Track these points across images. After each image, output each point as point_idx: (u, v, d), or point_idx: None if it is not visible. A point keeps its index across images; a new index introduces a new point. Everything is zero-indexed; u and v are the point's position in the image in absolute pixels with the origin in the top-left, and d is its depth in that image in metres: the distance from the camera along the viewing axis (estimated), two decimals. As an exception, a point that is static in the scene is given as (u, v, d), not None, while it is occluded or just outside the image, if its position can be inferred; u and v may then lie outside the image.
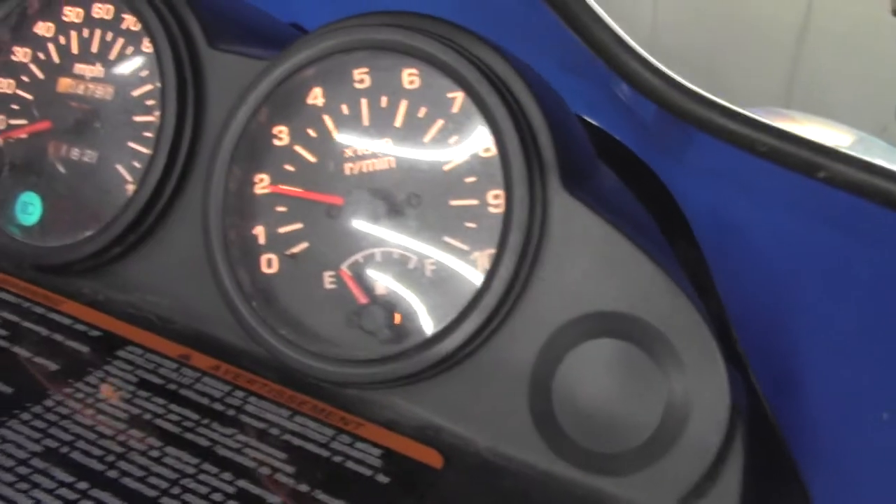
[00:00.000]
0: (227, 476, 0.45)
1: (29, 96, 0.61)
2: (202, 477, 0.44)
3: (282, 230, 0.54)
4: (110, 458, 0.45)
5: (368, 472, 0.46)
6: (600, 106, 0.70)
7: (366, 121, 0.54)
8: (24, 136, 0.61)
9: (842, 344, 0.55)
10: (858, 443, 0.53)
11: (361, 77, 0.54)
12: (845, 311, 0.54)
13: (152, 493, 0.43)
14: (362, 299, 0.52)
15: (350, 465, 0.47)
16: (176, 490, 0.43)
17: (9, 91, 0.62)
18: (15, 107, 0.62)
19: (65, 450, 0.45)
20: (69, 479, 0.43)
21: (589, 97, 0.67)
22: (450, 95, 0.52)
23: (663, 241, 0.62)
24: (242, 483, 0.44)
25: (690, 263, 0.68)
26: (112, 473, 0.44)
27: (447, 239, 0.51)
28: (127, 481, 0.43)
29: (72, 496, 0.42)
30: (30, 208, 0.60)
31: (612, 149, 0.75)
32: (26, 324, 0.54)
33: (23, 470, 0.43)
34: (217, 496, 0.43)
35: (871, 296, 0.52)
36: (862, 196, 0.39)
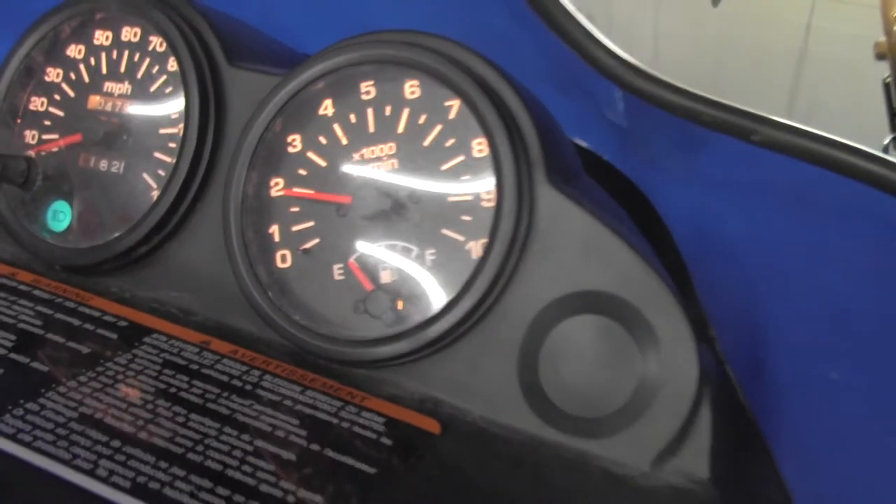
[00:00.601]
0: (245, 437, 0.49)
1: (60, 113, 0.67)
2: (224, 438, 0.49)
3: (295, 228, 0.60)
4: (140, 422, 0.49)
5: (373, 436, 0.51)
6: (584, 125, 0.76)
7: (371, 128, 0.59)
8: (55, 149, 0.66)
9: (806, 335, 0.60)
10: (817, 416, 0.58)
11: (368, 89, 0.60)
12: (809, 303, 0.60)
13: (179, 450, 0.47)
14: (368, 287, 0.57)
15: (356, 429, 0.51)
16: (200, 448, 0.48)
17: (41, 108, 0.68)
18: (47, 122, 0.67)
19: (99, 415, 0.49)
20: (104, 438, 0.48)
21: (573, 117, 0.73)
22: (447, 104, 0.57)
23: (642, 237, 0.68)
24: (260, 443, 0.49)
25: (672, 270, 0.73)
26: (142, 434, 0.48)
27: (445, 231, 0.57)
28: (156, 440, 0.48)
29: (106, 451, 0.46)
30: (60, 216, 0.65)
31: (595, 166, 0.81)
32: (59, 315, 0.59)
33: (61, 431, 0.48)
34: (237, 453, 0.48)
35: (832, 287, 0.57)
36: (792, 156, 0.44)
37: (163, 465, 0.46)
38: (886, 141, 2.05)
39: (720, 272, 0.70)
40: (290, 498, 0.45)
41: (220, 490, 0.45)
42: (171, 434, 0.49)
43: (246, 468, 0.47)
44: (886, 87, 1.88)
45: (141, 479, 0.45)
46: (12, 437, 0.47)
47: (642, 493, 0.51)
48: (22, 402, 0.50)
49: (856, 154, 0.43)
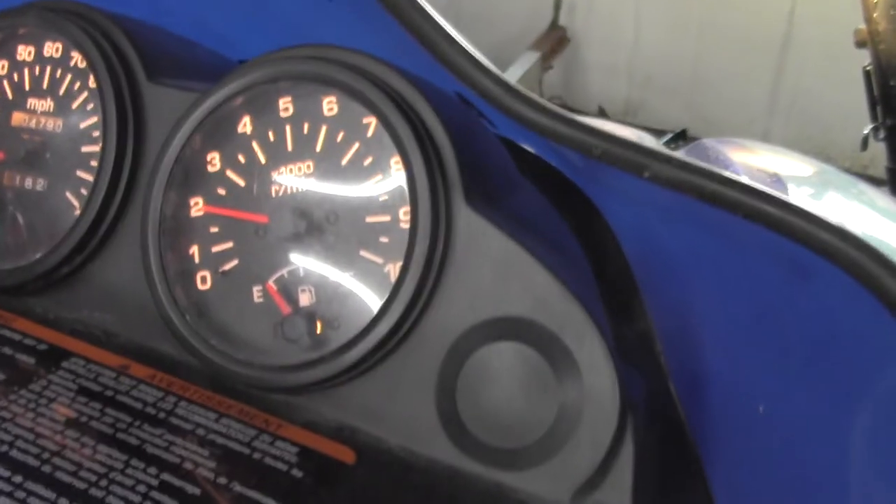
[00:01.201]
0: (152, 470, 0.48)
1: (-17, 130, 0.66)
2: (129, 471, 0.48)
3: (215, 249, 0.59)
4: (45, 455, 0.48)
5: (284, 468, 0.50)
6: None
7: (289, 146, 0.58)
8: (-22, 167, 0.65)
9: (733, 348, 0.59)
10: (746, 436, 0.57)
11: (286, 105, 0.58)
12: (734, 318, 0.58)
13: (82, 485, 0.47)
14: (286, 310, 0.56)
15: (268, 460, 0.50)
16: (104, 482, 0.47)
17: (-35, 125, 0.67)
18: (-29, 140, 0.66)
19: (4, 448, 0.49)
20: (6, 473, 0.47)
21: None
22: (364, 121, 0.56)
23: (580, 257, 0.66)
24: (166, 476, 0.48)
25: (623, 281, 0.72)
26: (46, 468, 0.48)
27: (363, 253, 0.55)
28: (60, 475, 0.47)
29: (7, 488, 0.46)
30: (-12, 232, 0.64)
31: (548, 173, 0.79)
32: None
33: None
34: (141, 488, 0.47)
35: (748, 301, 0.56)
36: (681, 191, 0.43)
37: (62, 502, 0.45)
38: (866, 131, 2.04)
39: (663, 286, 0.69)
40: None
41: None
42: (75, 468, 0.48)
43: (147, 504, 0.46)
44: (867, 74, 1.87)
45: None
46: None
47: None
48: None
49: (745, 192, 0.42)
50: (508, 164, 0.69)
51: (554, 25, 3.61)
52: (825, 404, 0.50)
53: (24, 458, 0.48)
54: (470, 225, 0.54)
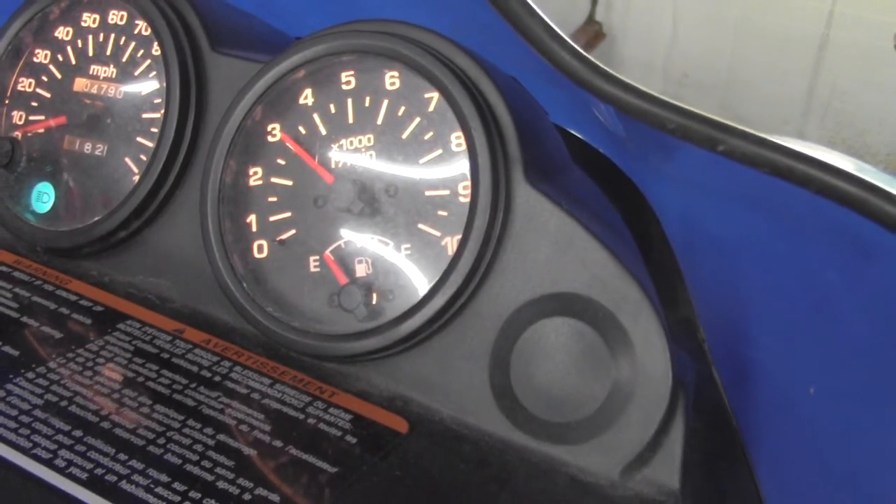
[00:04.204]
0: (208, 431, 0.49)
1: (47, 94, 0.67)
2: (186, 430, 0.49)
3: (272, 218, 0.59)
4: (104, 412, 0.49)
5: (338, 434, 0.51)
6: (577, 115, 0.75)
7: (350, 118, 0.58)
8: (41, 130, 0.66)
9: (784, 335, 0.59)
10: (793, 425, 0.57)
11: (348, 78, 0.59)
12: (786, 304, 0.58)
13: (140, 441, 0.47)
14: (343, 280, 0.56)
15: (322, 426, 0.51)
16: (161, 440, 0.48)
17: (28, 89, 0.67)
18: (34, 104, 0.67)
19: (63, 404, 0.49)
20: (66, 427, 0.48)
21: (566, 107, 0.72)
22: (426, 96, 0.57)
23: (630, 238, 0.67)
24: (222, 437, 0.49)
25: (667, 268, 0.72)
26: (105, 424, 0.48)
27: (421, 226, 0.56)
28: (118, 431, 0.48)
29: (67, 441, 0.46)
30: (44, 197, 0.65)
31: (595, 160, 0.80)
32: (36, 298, 0.59)
33: (24, 419, 0.48)
34: (198, 447, 0.48)
35: (801, 286, 0.56)
36: (755, 166, 0.43)
37: (122, 457, 0.46)
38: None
39: (709, 273, 0.69)
40: (247, 496, 0.44)
41: (177, 485, 0.45)
42: (134, 425, 0.49)
43: (205, 463, 0.46)
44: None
45: (98, 472, 0.45)
46: None
47: (610, 501, 0.50)
48: None
49: (819, 167, 0.42)
50: (562, 147, 0.69)
51: (590, 20, 3.60)
52: (881, 393, 0.50)
53: (84, 414, 0.49)
54: (529, 201, 0.54)
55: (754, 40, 3.48)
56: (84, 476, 0.44)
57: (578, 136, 0.81)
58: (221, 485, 0.45)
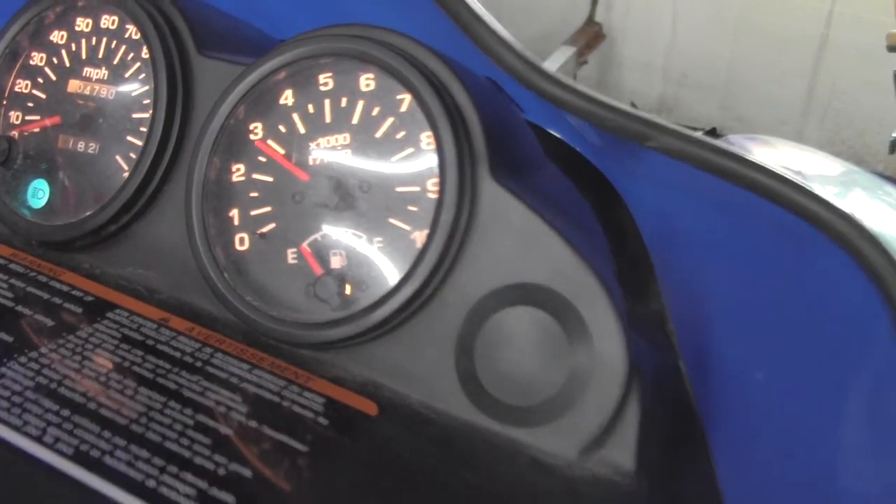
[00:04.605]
0: (188, 412, 0.52)
1: (42, 95, 0.70)
2: (167, 411, 0.52)
3: (253, 213, 0.62)
4: (91, 394, 0.52)
5: (311, 416, 0.54)
6: (561, 119, 0.78)
7: (328, 118, 0.62)
8: (36, 129, 0.70)
9: (739, 324, 0.62)
10: (747, 410, 0.60)
11: (326, 80, 0.62)
12: (740, 295, 0.62)
13: (123, 421, 0.50)
14: (318, 271, 0.60)
15: (296, 409, 0.54)
16: (143, 420, 0.51)
17: (25, 91, 0.71)
18: (30, 104, 0.70)
19: (53, 385, 0.53)
20: (55, 407, 0.51)
21: (552, 111, 0.75)
22: (399, 97, 0.60)
23: (598, 232, 0.70)
24: (201, 417, 0.52)
25: (640, 263, 0.75)
26: (91, 405, 0.51)
27: (392, 220, 0.59)
28: (104, 411, 0.51)
29: (55, 420, 0.50)
30: (39, 193, 0.69)
31: (572, 158, 0.83)
32: (30, 289, 0.62)
33: (16, 399, 0.51)
34: (178, 426, 0.51)
35: (752, 277, 0.59)
36: (683, 160, 0.46)
37: (106, 434, 0.49)
38: (895, 135, 2.04)
39: (677, 267, 0.72)
40: (221, 471, 0.48)
41: (156, 460, 0.48)
42: (118, 406, 0.52)
43: (184, 441, 0.50)
44: (897, 78, 1.88)
45: (84, 448, 0.48)
46: None
47: (568, 481, 0.53)
48: None
49: (742, 163, 0.45)
50: (535, 145, 0.72)
51: (590, 21, 3.63)
52: (821, 378, 0.53)
53: (72, 395, 0.52)
54: (494, 196, 0.57)
55: (753, 41, 3.50)
56: (70, 451, 0.47)
57: (557, 135, 0.84)
58: (198, 460, 0.48)
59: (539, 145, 0.72)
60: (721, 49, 3.63)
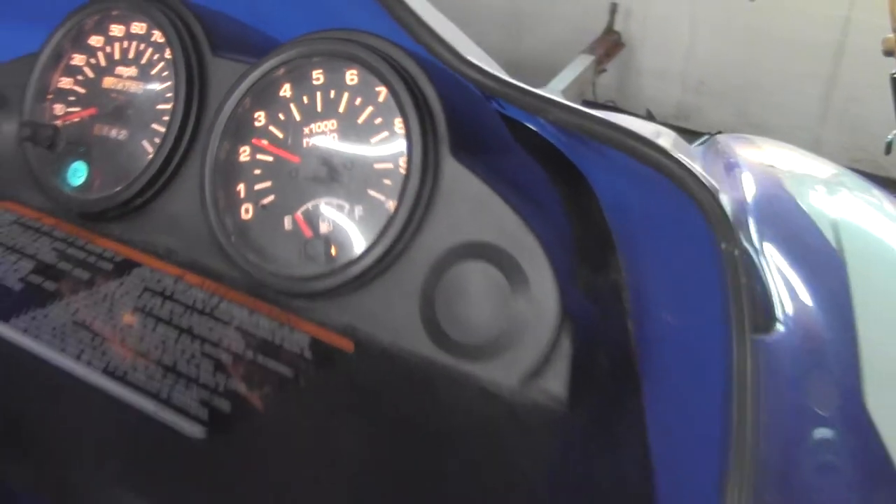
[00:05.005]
0: (196, 344, 0.64)
1: (82, 90, 0.82)
2: (179, 343, 0.64)
3: (257, 187, 0.74)
4: (117, 328, 0.64)
5: (298, 350, 0.65)
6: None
7: (319, 107, 0.73)
8: (76, 119, 0.82)
9: (660, 285, 0.73)
10: (668, 359, 0.71)
11: (318, 76, 0.74)
12: (659, 259, 0.72)
13: (143, 348, 0.62)
14: (309, 234, 0.71)
15: (286, 344, 0.66)
16: (160, 349, 0.63)
17: (67, 87, 0.83)
18: (71, 98, 0.83)
19: (88, 322, 0.65)
20: (88, 337, 0.63)
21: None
22: (377, 89, 0.71)
23: (552, 205, 0.81)
24: (207, 348, 0.64)
25: (603, 240, 0.86)
26: (118, 336, 0.64)
27: (370, 192, 0.71)
28: (127, 340, 0.63)
29: (90, 346, 0.62)
30: (78, 172, 0.81)
31: (545, 147, 0.94)
32: (70, 250, 0.75)
33: (58, 331, 0.63)
34: (187, 354, 0.63)
35: (664, 244, 0.70)
36: (574, 129, 0.57)
37: (129, 357, 0.61)
38: (890, 137, 2.12)
39: (627, 240, 0.82)
40: (221, 387, 0.59)
41: (169, 377, 0.60)
42: (139, 338, 0.64)
43: (192, 364, 0.61)
44: (893, 81, 1.96)
45: (112, 366, 0.60)
46: (23, 331, 0.62)
47: (510, 406, 0.64)
48: (33, 309, 0.65)
49: (611, 128, 0.56)
50: (503, 133, 0.83)
51: (609, 30, 3.72)
52: (705, 324, 0.64)
53: (102, 329, 0.64)
54: (453, 171, 0.68)
55: (770, 47, 3.54)
56: (101, 366, 0.60)
57: (533, 127, 0.95)
58: (203, 379, 0.60)
59: (508, 133, 0.84)
60: (738, 56, 3.67)
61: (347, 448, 0.58)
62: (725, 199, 0.54)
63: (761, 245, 1.00)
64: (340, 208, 0.71)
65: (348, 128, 0.72)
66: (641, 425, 0.68)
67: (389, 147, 0.71)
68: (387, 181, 0.70)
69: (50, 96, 0.83)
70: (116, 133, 0.80)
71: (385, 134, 0.71)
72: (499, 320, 0.65)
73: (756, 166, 1.33)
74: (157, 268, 0.73)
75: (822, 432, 0.82)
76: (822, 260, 1.04)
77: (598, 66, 3.55)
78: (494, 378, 0.65)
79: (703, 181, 0.53)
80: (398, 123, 0.70)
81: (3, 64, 0.86)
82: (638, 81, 3.95)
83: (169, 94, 0.79)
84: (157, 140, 0.78)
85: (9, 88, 0.84)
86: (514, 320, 0.65)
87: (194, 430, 0.56)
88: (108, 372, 0.59)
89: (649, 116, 3.64)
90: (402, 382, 0.65)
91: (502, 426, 0.63)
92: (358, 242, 0.70)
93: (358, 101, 0.72)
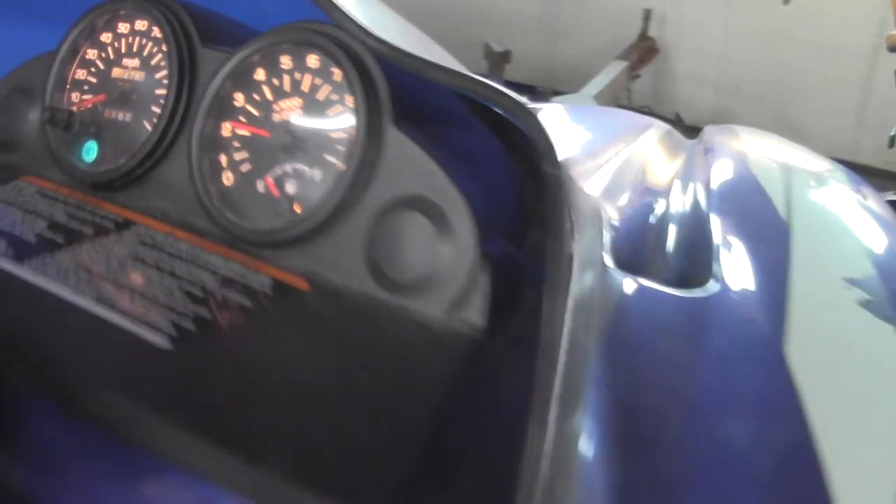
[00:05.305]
0: (175, 283, 0.76)
1: (94, 80, 0.96)
2: (164, 281, 0.76)
3: (236, 157, 0.87)
4: (116, 270, 0.77)
5: (262, 289, 0.78)
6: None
7: (287, 88, 0.86)
8: (89, 105, 0.96)
9: None
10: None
11: (286, 61, 0.86)
12: None
13: (132, 285, 0.75)
14: (277, 195, 0.84)
15: (252, 284, 0.78)
16: (148, 286, 0.75)
17: (82, 77, 0.97)
18: (85, 87, 0.96)
19: (89, 265, 0.78)
20: (88, 276, 0.76)
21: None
22: (333, 70, 0.84)
23: (511, 178, 0.92)
24: (185, 285, 0.76)
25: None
26: (112, 275, 0.76)
27: (326, 157, 0.83)
28: (122, 279, 0.76)
29: (88, 281, 0.75)
30: (90, 150, 0.94)
31: (505, 124, 1.05)
32: (80, 213, 0.88)
33: (62, 273, 0.76)
34: (170, 289, 0.75)
35: None
36: (449, 86, 0.69)
37: (123, 291, 0.74)
38: (892, 132, 2.19)
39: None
40: (191, 314, 0.72)
41: (151, 306, 0.72)
42: (129, 277, 0.77)
43: (173, 297, 0.74)
44: (898, 77, 2.03)
45: (102, 295, 0.73)
46: (38, 272, 0.76)
47: (437, 334, 0.75)
48: (46, 256, 0.79)
49: (464, 79, 0.67)
50: (457, 109, 0.95)
51: (643, 36, 3.80)
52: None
53: (102, 271, 0.77)
54: (396, 139, 0.80)
55: (805, 51, 3.56)
56: (93, 298, 0.72)
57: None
58: (179, 307, 0.72)
59: (465, 110, 0.95)
60: (773, 60, 3.69)
61: (295, 363, 0.70)
62: (547, 126, 0.64)
63: (710, 213, 1.13)
64: (302, 172, 0.83)
65: (310, 104, 0.84)
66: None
67: (343, 119, 0.83)
68: (340, 147, 0.82)
69: (67, 86, 0.97)
70: (122, 116, 0.94)
71: (340, 108, 0.83)
72: (428, 262, 0.76)
73: (727, 150, 1.44)
74: (152, 226, 0.86)
75: (740, 373, 0.94)
76: (769, 230, 1.17)
77: (632, 72, 3.62)
78: (425, 310, 0.76)
79: (532, 112, 0.64)
80: (349, 99, 0.82)
81: (27, 61, 1.00)
82: (673, 86, 3.99)
83: (165, 81, 0.92)
84: (154, 120, 0.91)
85: (33, 81, 0.98)
86: (440, 261, 0.76)
87: (161, 342, 0.68)
88: (99, 299, 0.72)
89: (678, 120, 3.70)
90: (348, 315, 0.77)
91: (429, 351, 0.74)
92: (315, 199, 0.82)
93: (318, 81, 0.84)
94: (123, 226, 0.86)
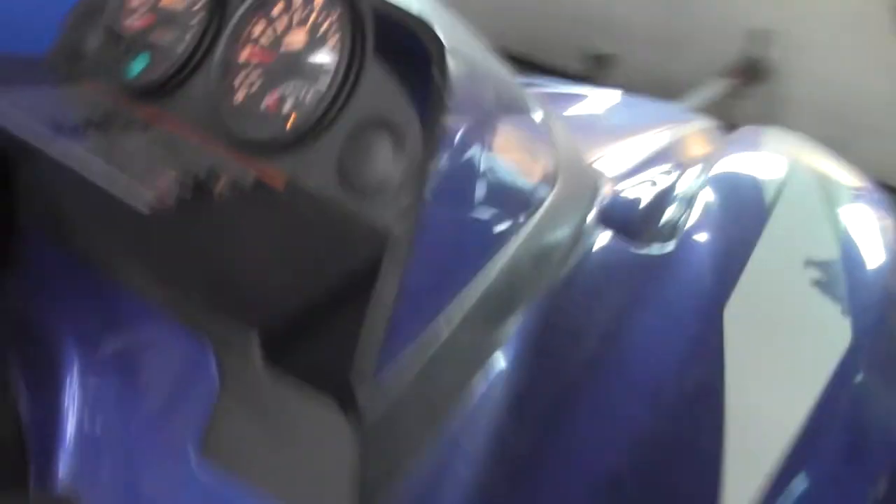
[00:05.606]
0: (175, 163, 0.91)
1: (145, 6, 1.12)
2: (167, 161, 0.91)
3: (249, 78, 1.01)
4: (129, 152, 0.92)
5: (244, 179, 0.91)
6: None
7: (295, 22, 1.00)
8: (141, 26, 1.11)
9: None
10: None
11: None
12: None
13: (141, 156, 0.90)
14: (275, 110, 0.97)
15: (238, 177, 0.92)
16: (151, 159, 0.90)
17: (136, 4, 1.13)
18: (138, 11, 1.13)
19: (109, 148, 0.93)
20: (107, 154, 0.91)
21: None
22: (334, 10, 0.97)
23: None
24: (183, 167, 0.90)
25: None
26: (127, 155, 0.91)
27: (318, 80, 0.96)
28: (134, 157, 0.91)
29: (105, 155, 0.89)
30: (138, 65, 1.10)
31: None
32: (116, 112, 1.04)
33: (89, 150, 0.91)
34: (169, 168, 0.89)
35: None
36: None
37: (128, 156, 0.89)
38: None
39: None
40: (180, 192, 0.86)
41: (148, 176, 0.87)
42: (138, 151, 0.91)
43: (169, 176, 0.88)
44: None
45: (116, 162, 0.88)
46: (64, 147, 0.91)
47: (381, 235, 0.87)
48: (76, 137, 0.93)
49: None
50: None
51: (749, 57, 3.76)
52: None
53: (119, 151, 0.92)
54: (374, 69, 0.93)
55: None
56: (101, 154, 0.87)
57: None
58: (172, 185, 0.87)
59: None
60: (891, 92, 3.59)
61: (252, 234, 0.84)
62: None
63: (700, 189, 1.23)
64: (298, 90, 0.97)
65: (312, 36, 0.98)
66: None
67: (336, 49, 0.96)
68: (329, 73, 0.95)
69: (123, 10, 1.13)
70: (166, 36, 1.09)
71: (335, 40, 0.96)
72: (385, 173, 0.89)
73: (746, 145, 1.52)
74: (172, 128, 1.01)
75: (676, 321, 1.04)
76: (747, 210, 1.26)
77: (735, 91, 3.60)
78: (379, 213, 0.88)
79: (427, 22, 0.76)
80: (343, 35, 0.95)
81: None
82: (783, 111, 3.92)
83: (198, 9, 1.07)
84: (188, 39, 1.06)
85: (100, 4, 1.15)
86: (396, 171, 0.89)
87: (143, 208, 0.82)
88: (108, 162, 0.86)
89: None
90: (308, 208, 0.90)
91: (364, 244, 0.87)
92: (306, 113, 0.95)
93: (321, 17, 0.98)
94: (149, 124, 1.01)
